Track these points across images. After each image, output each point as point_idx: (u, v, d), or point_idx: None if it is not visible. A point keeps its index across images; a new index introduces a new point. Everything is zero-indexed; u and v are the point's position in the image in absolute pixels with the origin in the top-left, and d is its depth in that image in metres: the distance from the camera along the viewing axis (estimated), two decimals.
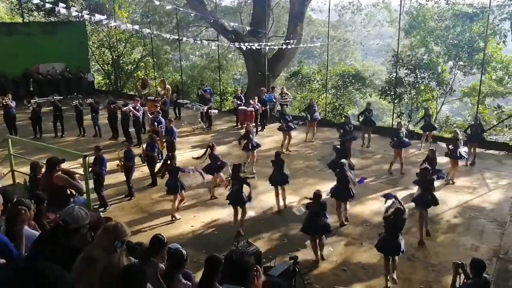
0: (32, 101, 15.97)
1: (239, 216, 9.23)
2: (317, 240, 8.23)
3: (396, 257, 7.51)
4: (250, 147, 12.52)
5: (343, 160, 9.90)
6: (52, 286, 1.67)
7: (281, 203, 10.31)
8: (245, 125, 13.47)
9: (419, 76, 17.96)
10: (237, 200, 9.10)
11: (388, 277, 7.45)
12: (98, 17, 12.12)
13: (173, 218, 9.81)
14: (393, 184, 11.75)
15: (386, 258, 7.49)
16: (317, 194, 8.21)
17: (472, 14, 17.33)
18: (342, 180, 9.47)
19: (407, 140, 12.81)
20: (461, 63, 18.16)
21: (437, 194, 10.73)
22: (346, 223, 9.64)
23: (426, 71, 17.87)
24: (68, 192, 6.74)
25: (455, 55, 17.90)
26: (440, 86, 18.04)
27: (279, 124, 15.01)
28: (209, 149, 11.00)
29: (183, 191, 9.96)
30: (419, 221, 8.94)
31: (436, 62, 18.11)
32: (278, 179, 10.23)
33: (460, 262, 5.78)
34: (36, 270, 1.69)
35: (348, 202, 9.76)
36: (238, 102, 17.36)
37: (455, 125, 18.71)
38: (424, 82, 18.05)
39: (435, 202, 9.09)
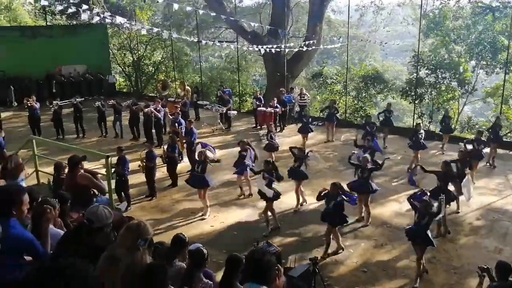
0: (54, 102, 16.30)
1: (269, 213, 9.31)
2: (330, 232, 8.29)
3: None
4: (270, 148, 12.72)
5: (366, 155, 9.91)
6: (73, 285, 1.67)
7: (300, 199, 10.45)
8: (265, 125, 13.62)
9: (440, 76, 17.72)
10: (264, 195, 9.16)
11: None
12: (119, 19, 12.28)
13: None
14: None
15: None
16: (333, 184, 8.27)
17: (494, 8, 16.97)
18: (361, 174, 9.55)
19: (423, 142, 12.72)
20: (484, 62, 17.84)
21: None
22: (368, 224, 9.59)
23: (448, 71, 17.61)
24: (91, 192, 6.85)
25: (477, 54, 17.59)
26: (462, 86, 17.76)
27: (297, 125, 15.10)
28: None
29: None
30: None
31: (457, 62, 17.82)
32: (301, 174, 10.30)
33: (485, 267, 5.69)
34: (58, 269, 1.68)
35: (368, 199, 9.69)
36: (257, 103, 17.37)
37: (477, 126, 18.43)
38: (445, 82, 17.80)
39: (452, 198, 9.16)
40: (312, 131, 15.02)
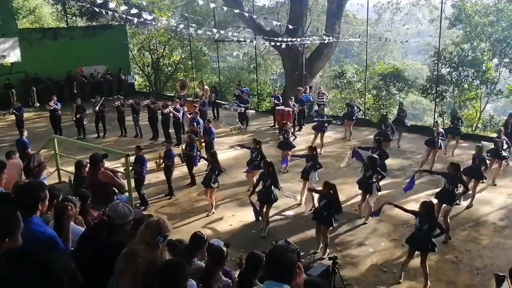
0: (74, 104, 16.55)
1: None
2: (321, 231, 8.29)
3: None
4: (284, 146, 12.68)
5: (372, 155, 9.83)
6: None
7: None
8: (283, 124, 13.56)
9: (462, 74, 17.41)
10: (266, 198, 9.14)
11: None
12: (144, 16, 12.39)
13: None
14: (434, 184, 11.40)
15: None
16: (327, 183, 8.28)
17: None
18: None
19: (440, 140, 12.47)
20: (507, 60, 17.46)
21: (481, 195, 10.45)
22: (366, 221, 9.57)
23: (470, 69, 17.29)
24: (112, 190, 6.91)
25: (500, 51, 17.23)
26: (485, 84, 17.40)
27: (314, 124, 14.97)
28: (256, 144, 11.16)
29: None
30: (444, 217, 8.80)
31: (480, 59, 17.47)
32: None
33: (501, 275, 5.58)
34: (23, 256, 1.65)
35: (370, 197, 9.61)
36: (276, 101, 17.32)
37: (500, 124, 18.06)
38: (467, 80, 17.47)
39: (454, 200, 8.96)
40: (326, 130, 14.66)
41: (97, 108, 16.37)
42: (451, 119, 13.94)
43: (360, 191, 10.05)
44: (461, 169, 9.78)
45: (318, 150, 13.78)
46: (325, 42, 17.87)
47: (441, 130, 12.59)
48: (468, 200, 10.23)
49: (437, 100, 17.44)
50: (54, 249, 1.78)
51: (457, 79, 17.42)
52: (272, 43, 16.91)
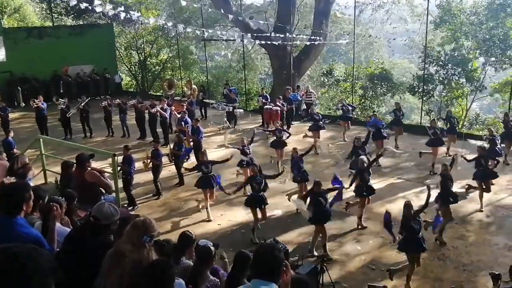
0: (61, 100, 16.33)
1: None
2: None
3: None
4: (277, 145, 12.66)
5: (363, 157, 9.85)
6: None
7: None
8: (272, 123, 13.57)
9: (448, 73, 17.56)
10: (256, 201, 9.06)
11: None
12: (131, 13, 12.29)
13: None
14: (422, 182, 11.51)
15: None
16: (317, 182, 8.34)
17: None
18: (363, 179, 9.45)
19: (440, 138, 12.57)
20: (493, 59, 17.65)
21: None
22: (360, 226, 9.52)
23: (456, 67, 17.44)
24: (99, 190, 6.85)
25: (486, 50, 17.41)
26: (470, 82, 17.57)
27: (303, 123, 14.99)
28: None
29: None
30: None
31: (466, 58, 17.64)
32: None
33: (497, 273, 5.64)
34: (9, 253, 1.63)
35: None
36: (264, 100, 17.30)
37: (485, 122, 18.28)
38: (453, 79, 17.64)
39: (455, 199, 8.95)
40: (324, 128, 14.77)
41: (81, 106, 16.19)
42: (445, 119, 13.95)
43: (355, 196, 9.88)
44: (473, 174, 10.04)
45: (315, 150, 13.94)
46: (315, 42, 17.89)
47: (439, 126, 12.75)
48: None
49: (424, 98, 17.56)
50: (29, 244, 1.73)
51: (444, 77, 17.57)
52: (261, 41, 16.87)
